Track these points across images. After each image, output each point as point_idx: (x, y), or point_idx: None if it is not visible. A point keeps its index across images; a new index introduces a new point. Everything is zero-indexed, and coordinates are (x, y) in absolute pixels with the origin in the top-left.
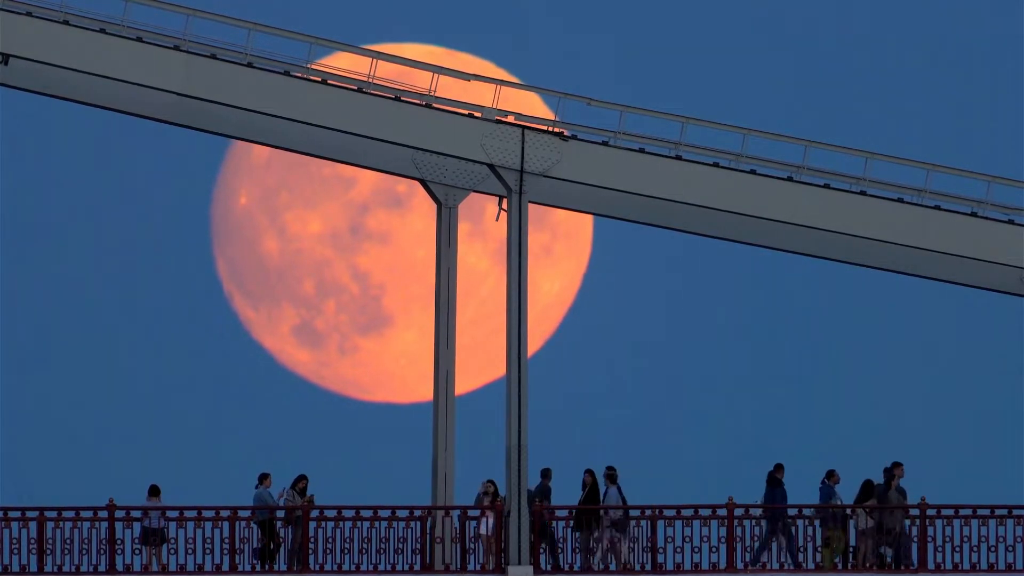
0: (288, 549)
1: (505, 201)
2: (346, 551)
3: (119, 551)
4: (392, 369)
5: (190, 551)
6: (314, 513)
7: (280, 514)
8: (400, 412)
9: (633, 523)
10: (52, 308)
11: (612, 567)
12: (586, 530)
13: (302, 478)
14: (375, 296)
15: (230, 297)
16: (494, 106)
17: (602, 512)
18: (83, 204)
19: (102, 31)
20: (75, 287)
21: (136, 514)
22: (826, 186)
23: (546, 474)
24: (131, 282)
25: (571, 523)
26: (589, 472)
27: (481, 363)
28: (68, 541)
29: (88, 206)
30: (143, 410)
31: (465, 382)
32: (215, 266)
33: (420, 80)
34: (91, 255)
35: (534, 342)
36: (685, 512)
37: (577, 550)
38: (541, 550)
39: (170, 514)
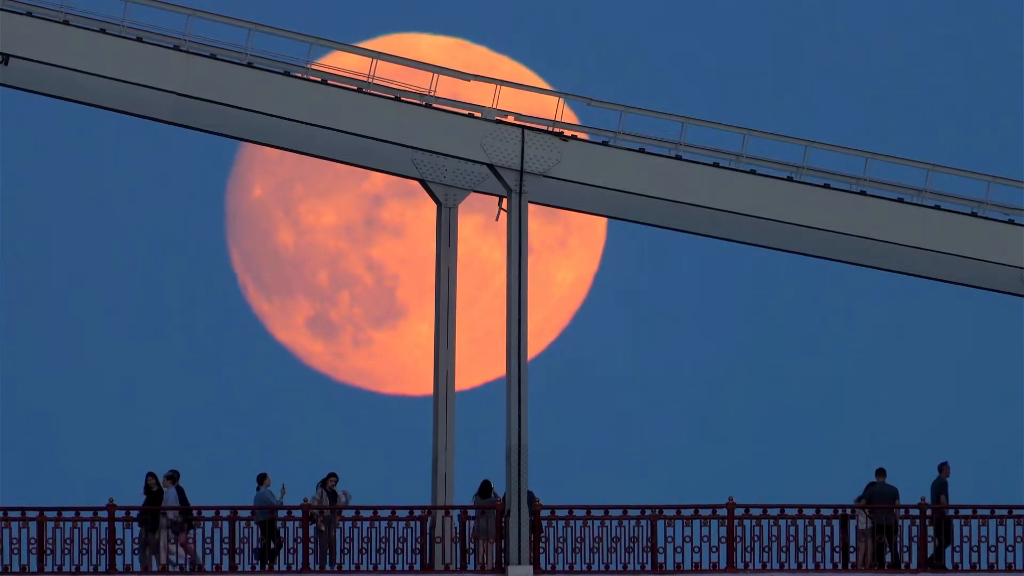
0: (314, 548)
1: (505, 201)
2: (346, 551)
3: (119, 551)
4: (405, 361)
5: None
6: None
7: (281, 514)
8: (411, 405)
9: (633, 523)
10: (55, 307)
11: (187, 567)
12: (150, 531)
13: (333, 476)
14: (389, 288)
15: (244, 289)
16: (494, 106)
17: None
18: (88, 202)
19: (102, 31)
20: (79, 285)
21: (136, 514)
22: (826, 186)
23: (942, 468)
24: (144, 276)
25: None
26: (151, 475)
27: (491, 357)
28: (68, 541)
29: (93, 204)
30: (146, 408)
31: (475, 375)
32: (230, 258)
33: (421, 76)
34: (97, 253)
35: (549, 334)
36: (685, 512)
37: (136, 551)
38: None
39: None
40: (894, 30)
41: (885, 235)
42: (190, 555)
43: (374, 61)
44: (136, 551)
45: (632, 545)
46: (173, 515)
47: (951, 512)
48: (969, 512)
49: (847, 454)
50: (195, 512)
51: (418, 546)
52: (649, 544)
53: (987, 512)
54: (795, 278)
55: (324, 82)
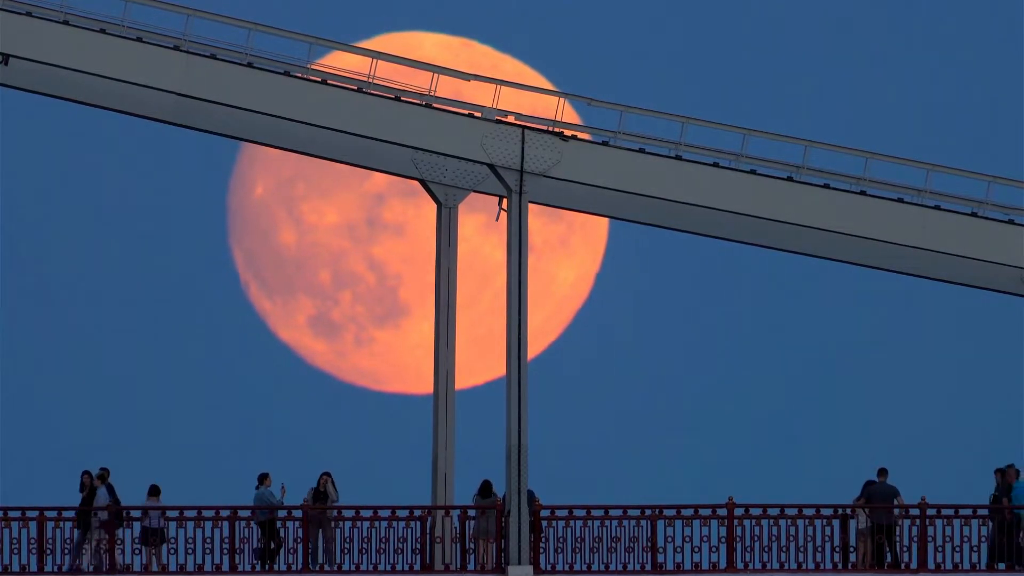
0: (313, 549)
1: (505, 201)
2: (346, 551)
3: (119, 549)
4: (407, 360)
5: (190, 551)
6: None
7: (282, 514)
8: (412, 404)
9: (633, 523)
10: (55, 307)
11: (104, 567)
12: (82, 530)
13: (325, 475)
14: (391, 287)
15: (246, 288)
16: (494, 106)
17: (93, 513)
18: (88, 202)
19: (102, 31)
20: (79, 285)
21: (136, 514)
22: (826, 186)
23: (1008, 472)
24: (145, 276)
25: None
26: (87, 473)
27: (491, 357)
28: (68, 541)
29: (93, 204)
30: (147, 408)
31: (475, 375)
32: (232, 257)
33: (421, 76)
34: (97, 253)
35: (549, 334)
36: (685, 512)
37: (68, 551)
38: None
39: (170, 514)
40: (894, 30)
41: (885, 235)
42: (96, 557)
43: (374, 61)
44: (68, 551)
45: (632, 545)
46: (103, 515)
47: (928, 511)
48: (969, 512)
49: (847, 454)
50: (126, 512)
51: (418, 546)
52: (649, 544)
53: (987, 512)
54: (795, 278)
55: (324, 82)
